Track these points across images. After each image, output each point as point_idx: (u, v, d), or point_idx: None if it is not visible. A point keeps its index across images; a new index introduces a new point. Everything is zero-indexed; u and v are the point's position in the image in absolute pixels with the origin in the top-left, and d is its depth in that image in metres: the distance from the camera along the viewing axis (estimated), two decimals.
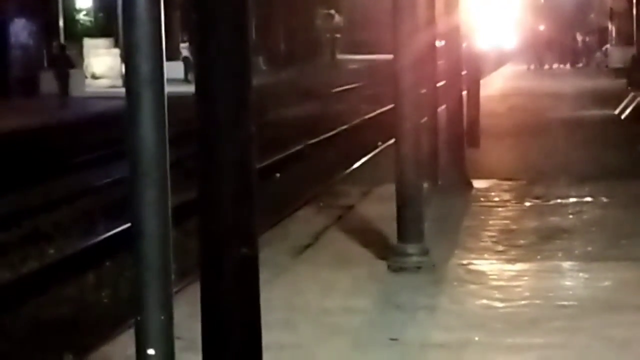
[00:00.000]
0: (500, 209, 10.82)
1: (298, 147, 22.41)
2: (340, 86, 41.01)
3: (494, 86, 31.64)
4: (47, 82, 32.26)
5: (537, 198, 11.32)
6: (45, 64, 33.81)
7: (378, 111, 29.12)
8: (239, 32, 3.65)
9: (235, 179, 3.66)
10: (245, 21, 3.68)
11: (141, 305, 3.34)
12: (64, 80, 29.54)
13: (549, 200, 11.19)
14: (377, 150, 17.32)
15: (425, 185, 10.29)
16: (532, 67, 43.59)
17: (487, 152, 15.23)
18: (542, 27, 48.74)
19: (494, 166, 13.96)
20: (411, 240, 8.10)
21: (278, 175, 19.16)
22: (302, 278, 7.96)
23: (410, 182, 8.21)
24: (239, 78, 3.66)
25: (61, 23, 34.06)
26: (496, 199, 11.42)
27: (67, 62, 30.13)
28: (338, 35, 64.95)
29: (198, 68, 3.73)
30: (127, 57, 3.30)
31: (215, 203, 3.66)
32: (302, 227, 10.03)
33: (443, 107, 12.86)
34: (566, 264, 8.24)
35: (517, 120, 20.51)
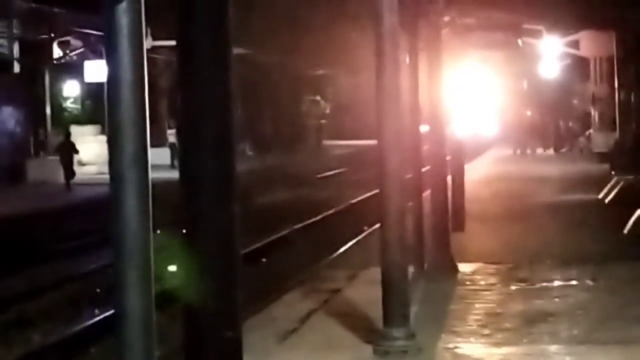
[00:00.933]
0: (486, 292, 10.81)
1: (284, 232, 22.40)
2: (326, 171, 41.13)
3: (479, 171, 31.79)
4: (34, 169, 32.30)
5: (522, 281, 11.32)
6: (32, 152, 33.89)
7: (364, 196, 29.17)
8: (223, 117, 3.69)
9: (219, 262, 3.67)
10: (229, 104, 3.72)
11: None
12: (68, 167, 29.78)
13: (534, 284, 11.18)
14: (363, 235, 17.31)
15: (411, 268, 10.30)
16: (518, 152, 43.85)
17: (472, 236, 15.25)
18: (528, 113, 49.15)
19: (479, 250, 13.97)
20: (397, 324, 8.06)
21: (264, 259, 19.12)
22: None
23: (396, 266, 8.21)
24: (223, 164, 3.69)
25: (48, 111, 34.21)
26: (482, 282, 11.41)
27: (72, 148, 30.36)
28: (324, 121, 65.34)
29: (182, 154, 3.76)
30: (112, 139, 3.33)
31: (200, 288, 3.65)
32: (288, 311, 9.98)
33: (428, 191, 12.91)
34: (552, 347, 8.21)
35: (501, 205, 20.58)
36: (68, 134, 31.67)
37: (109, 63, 3.35)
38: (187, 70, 3.69)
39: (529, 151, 44.28)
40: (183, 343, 3.67)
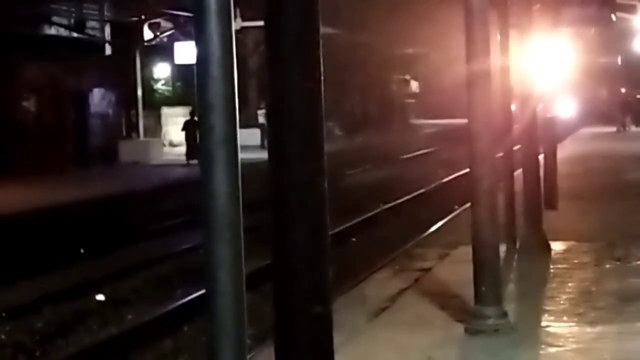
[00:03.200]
0: (579, 270, 10.66)
1: (374, 211, 22.39)
2: (416, 151, 41.02)
3: (572, 149, 31.37)
4: (126, 150, 32.76)
5: (617, 260, 11.14)
6: (124, 133, 34.36)
7: (454, 175, 29.03)
8: (311, 98, 3.68)
9: (308, 240, 3.66)
10: (318, 84, 3.70)
11: None
12: (192, 145, 30.26)
13: (629, 262, 10.99)
14: (453, 214, 17.21)
15: (503, 247, 10.21)
16: (615, 129, 43.11)
17: (565, 214, 15.06)
18: (622, 90, 48.35)
19: (573, 228, 13.78)
20: (489, 302, 8.00)
21: (354, 239, 19.14)
22: (378, 341, 7.90)
23: (488, 245, 8.13)
24: (312, 143, 3.68)
25: (139, 92, 34.63)
26: (575, 260, 11.26)
27: (197, 127, 30.74)
28: (413, 100, 65.10)
29: (271, 134, 3.75)
30: (202, 117, 3.33)
31: (289, 264, 3.65)
32: (378, 290, 9.97)
33: (519, 170, 12.77)
34: None
35: (596, 182, 20.28)
36: (193, 112, 31.79)
37: (198, 43, 3.35)
38: (276, 50, 3.67)
39: (627, 128, 43.58)
40: (273, 320, 3.67)
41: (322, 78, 3.69)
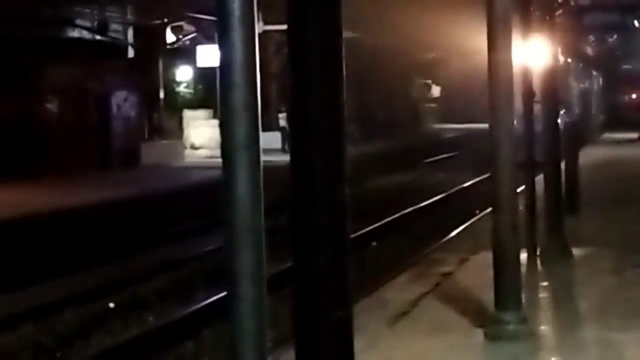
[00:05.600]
0: (600, 277, 10.63)
1: (394, 216, 22.39)
2: (436, 155, 40.98)
3: (594, 155, 31.27)
4: (148, 153, 32.86)
5: (638, 266, 11.10)
6: (146, 135, 34.46)
7: (474, 180, 29.00)
8: (333, 102, 3.70)
9: (329, 244, 3.68)
10: (340, 89, 3.72)
11: None
12: None
13: None
14: (474, 219, 17.19)
15: (524, 253, 10.20)
16: (637, 136, 42.85)
17: (587, 220, 15.00)
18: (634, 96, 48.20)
19: (594, 234, 13.73)
20: (509, 308, 8.00)
21: (374, 243, 19.14)
22: (398, 346, 7.90)
23: (508, 250, 8.13)
24: (334, 147, 3.70)
25: (162, 95, 34.73)
26: (596, 267, 11.23)
27: None
28: (434, 105, 65.04)
29: (293, 138, 3.77)
30: (224, 122, 3.35)
31: (310, 268, 3.67)
32: (398, 294, 9.98)
33: (541, 175, 12.75)
34: None
35: (618, 189, 20.20)
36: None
37: (221, 47, 3.37)
38: (298, 54, 3.69)
39: None
40: (293, 324, 3.69)
41: (344, 81, 3.71)
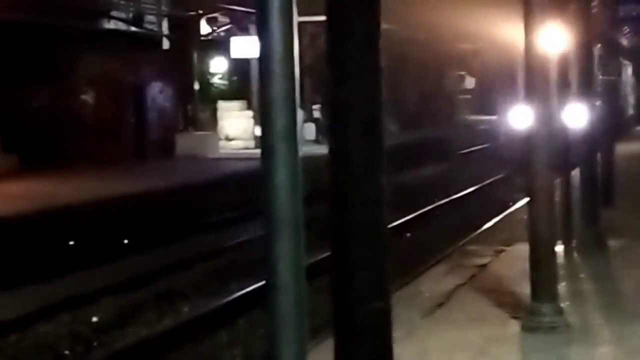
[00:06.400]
0: (636, 269, 10.58)
1: (428, 207, 22.36)
2: (471, 147, 40.85)
3: (631, 146, 31.04)
4: (182, 144, 32.96)
5: None
6: (181, 127, 34.55)
7: (509, 171, 28.90)
8: (372, 94, 3.71)
9: (368, 236, 3.69)
10: (378, 81, 3.73)
11: (274, 358, 3.36)
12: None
13: None
14: (509, 210, 17.14)
15: (559, 244, 10.17)
16: None
17: (623, 213, 14.92)
18: None
19: (630, 226, 13.65)
20: (545, 299, 7.98)
21: (409, 234, 19.13)
22: (433, 337, 7.91)
23: (544, 242, 8.11)
24: (372, 138, 3.71)
25: (196, 86, 34.82)
26: (632, 259, 11.17)
27: None
28: (469, 96, 64.81)
29: (332, 129, 3.78)
30: (263, 113, 3.37)
31: (348, 259, 3.68)
32: (433, 286, 9.98)
33: (577, 168, 12.70)
34: None
35: None
36: None
37: (260, 38, 3.38)
38: (337, 46, 3.71)
39: None
40: (332, 314, 3.70)
41: (382, 73, 3.72)
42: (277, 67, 3.35)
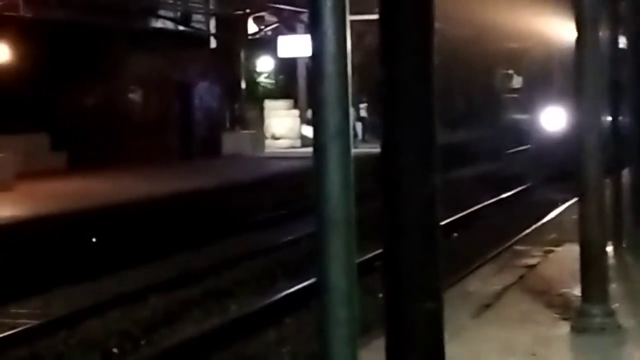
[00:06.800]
0: None
1: (476, 207, 22.27)
2: (518, 146, 40.63)
3: None
4: (229, 143, 33.08)
5: None
6: (227, 125, 34.68)
7: (557, 171, 28.71)
8: (425, 92, 3.69)
9: (420, 235, 3.67)
10: (431, 80, 3.71)
11: (325, 358, 3.35)
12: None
13: None
14: (558, 210, 17.02)
15: (610, 245, 10.06)
16: None
17: None
18: None
19: None
20: (596, 301, 7.90)
21: (456, 234, 19.06)
22: (482, 338, 7.86)
23: (595, 242, 8.03)
24: (425, 137, 3.69)
25: (243, 85, 34.92)
26: None
27: None
28: (516, 95, 64.45)
29: (385, 127, 3.76)
30: (315, 112, 3.36)
31: (400, 258, 3.66)
32: (482, 286, 9.92)
33: (627, 168, 12.58)
34: None
35: None
36: None
37: (313, 37, 3.38)
38: (389, 44, 3.69)
39: None
40: (383, 313, 3.69)
41: (434, 71, 3.70)
42: (329, 66, 3.34)
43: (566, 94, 33.21)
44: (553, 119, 37.36)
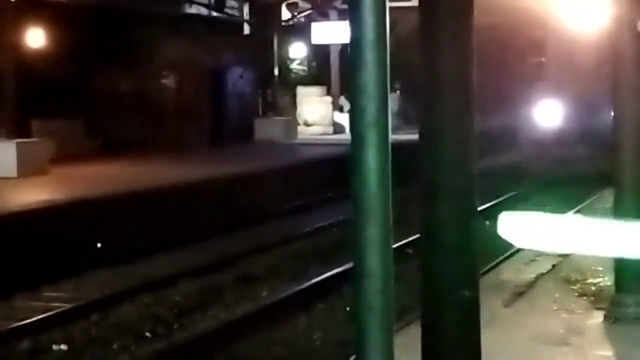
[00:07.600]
0: None
1: (507, 195, 22.20)
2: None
3: None
4: (261, 129, 33.08)
5: None
6: (260, 112, 34.70)
7: (590, 158, 28.50)
8: (464, 81, 3.70)
9: (458, 224, 3.68)
10: (470, 69, 3.71)
11: (360, 344, 3.36)
12: None
13: None
14: (591, 199, 16.93)
15: None
16: None
17: None
18: None
19: None
20: (630, 290, 7.87)
21: (487, 222, 18.98)
22: (515, 326, 7.85)
23: None
24: (463, 126, 3.70)
25: (276, 72, 34.91)
26: None
27: None
28: (547, 82, 64.11)
29: (424, 116, 3.77)
30: (353, 99, 3.36)
31: (438, 247, 3.67)
32: (514, 275, 9.90)
33: None
34: None
35: None
36: None
37: (352, 24, 3.38)
38: (430, 34, 3.69)
39: None
40: (420, 301, 3.70)
41: (474, 62, 3.70)
42: (368, 54, 3.34)
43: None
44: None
